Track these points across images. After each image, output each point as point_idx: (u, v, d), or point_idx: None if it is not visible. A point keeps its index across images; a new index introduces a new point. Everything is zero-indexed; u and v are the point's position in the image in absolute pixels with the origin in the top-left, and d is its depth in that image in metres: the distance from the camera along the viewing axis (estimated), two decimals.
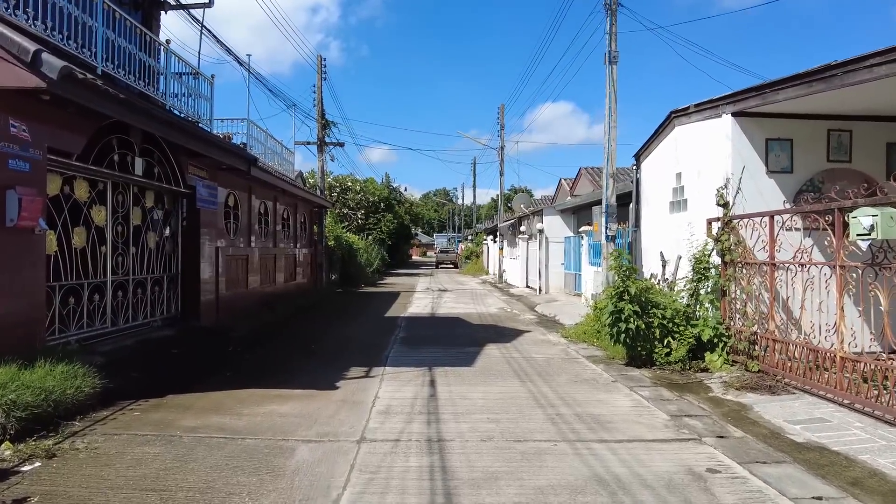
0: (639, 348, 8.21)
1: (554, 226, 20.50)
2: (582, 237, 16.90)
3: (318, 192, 20.58)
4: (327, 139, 20.71)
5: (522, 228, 23.70)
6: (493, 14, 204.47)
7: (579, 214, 20.03)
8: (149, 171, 9.11)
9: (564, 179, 29.46)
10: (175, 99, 9.94)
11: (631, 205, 12.56)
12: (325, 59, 20.80)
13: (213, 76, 11.16)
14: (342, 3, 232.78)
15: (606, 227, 11.94)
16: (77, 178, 7.59)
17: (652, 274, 10.05)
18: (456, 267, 47.21)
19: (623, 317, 8.08)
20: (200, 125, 10.75)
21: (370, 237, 32.63)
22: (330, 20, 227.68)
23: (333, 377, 7.28)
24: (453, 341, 10.31)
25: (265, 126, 17.53)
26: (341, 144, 21.18)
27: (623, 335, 8.07)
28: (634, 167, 12.58)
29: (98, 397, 5.94)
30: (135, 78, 8.70)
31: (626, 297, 8.28)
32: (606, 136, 12.00)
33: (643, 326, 8.12)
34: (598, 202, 14.43)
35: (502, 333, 11.43)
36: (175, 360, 7.98)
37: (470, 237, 55.18)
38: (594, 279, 15.38)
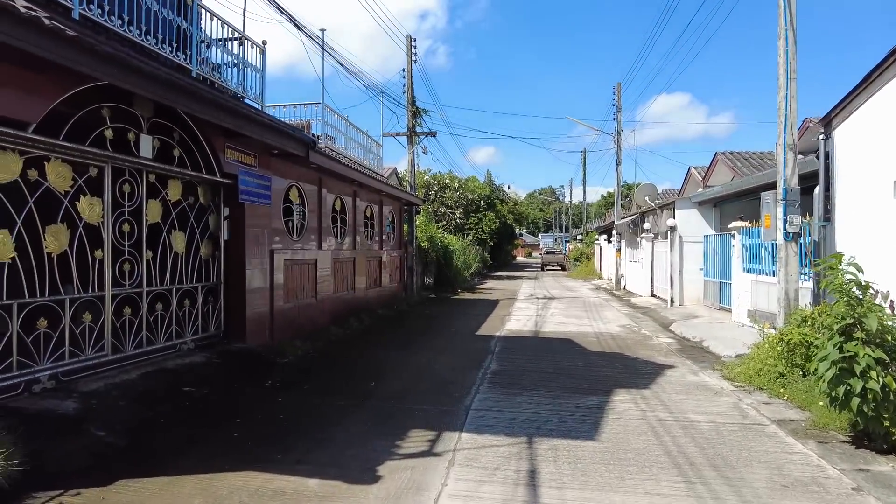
0: (885, 421, 4.87)
1: (689, 222, 16.72)
2: (732, 235, 13.17)
3: (409, 188, 18.40)
4: (418, 129, 18.45)
5: (646, 226, 20.01)
6: (600, 8, 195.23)
7: (723, 207, 16.11)
8: (164, 153, 7.12)
9: (695, 168, 25.16)
10: (207, 68, 7.93)
11: (816, 190, 8.91)
12: (415, 41, 18.57)
13: (264, 42, 9.11)
14: (449, 7, 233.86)
15: (785, 221, 8.40)
16: (51, 160, 5.66)
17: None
18: (563, 269, 43.51)
19: (857, 369, 4.81)
20: (247, 100, 8.73)
21: (469, 237, 30.12)
22: (437, 25, 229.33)
23: (378, 452, 4.72)
24: (565, 382, 7.40)
25: (356, 123, 15.53)
26: (433, 134, 18.81)
27: (857, 400, 4.79)
28: (821, 138, 8.91)
29: (14, 482, 3.83)
30: (157, 41, 6.74)
31: (860, 334, 4.99)
32: (784, 90, 8.46)
33: (893, 386, 4.80)
34: (761, 188, 10.76)
35: (634, 369, 8.31)
36: (178, 406, 5.84)
37: (579, 237, 51.09)
38: (753, 291, 11.67)
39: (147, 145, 6.68)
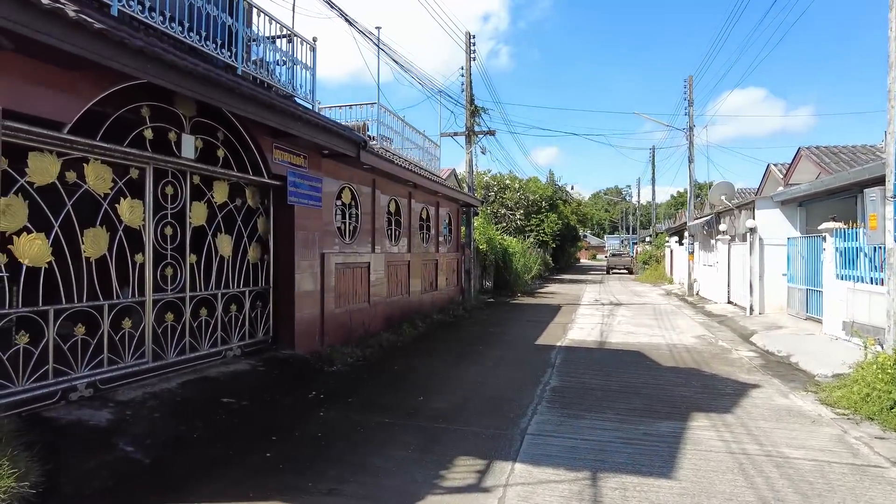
0: None
1: (771, 223, 15.29)
2: (822, 237, 11.81)
3: (467, 189, 17.87)
4: (476, 128, 17.87)
5: (722, 227, 18.58)
6: (668, 2, 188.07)
7: (809, 207, 14.62)
8: (208, 153, 6.89)
9: (774, 165, 23.32)
10: (254, 65, 7.68)
11: None
12: (473, 37, 18.01)
13: (314, 39, 8.83)
14: (512, 8, 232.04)
15: None
16: (90, 161, 5.49)
17: None
18: (630, 273, 41.69)
19: None
20: (297, 99, 8.46)
21: (529, 239, 29.23)
22: (500, 27, 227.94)
23: (419, 483, 4.19)
24: (634, 402, 6.62)
25: (415, 126, 15.18)
26: (492, 133, 18.15)
27: None
28: None
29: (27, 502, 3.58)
30: (201, 38, 6.54)
31: None
32: (894, 70, 7.32)
33: None
34: (859, 185, 9.53)
35: (713, 388, 7.40)
36: (213, 419, 5.53)
37: (647, 238, 48.94)
38: (850, 301, 10.36)
39: (189, 145, 6.46)
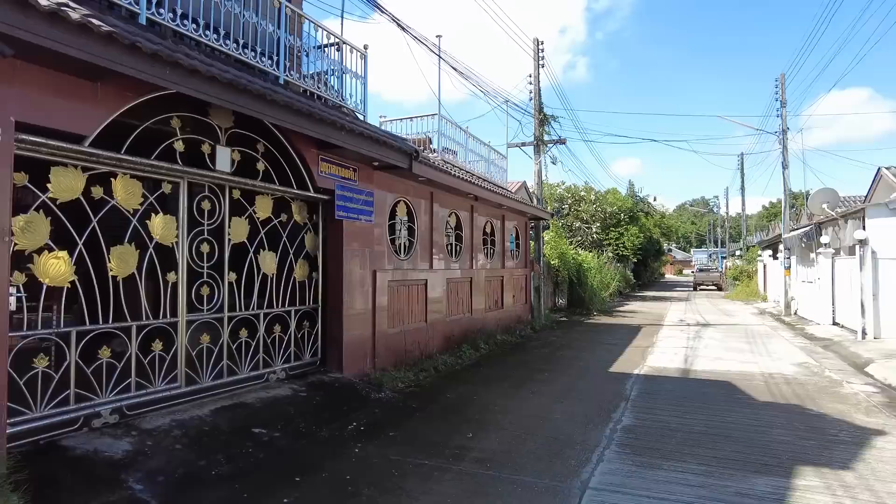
0: None
1: (885, 234, 13.34)
2: None
3: (535, 201, 16.98)
4: (546, 137, 17.01)
5: (824, 239, 16.55)
6: (751, 4, 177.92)
7: None
8: (247, 166, 6.56)
9: (887, 168, 20.75)
10: (298, 74, 7.35)
11: None
12: (542, 43, 17.22)
13: (365, 46, 8.44)
14: (589, 20, 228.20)
15: None
16: (118, 175, 5.25)
17: None
18: (719, 289, 38.78)
19: None
20: (347, 108, 8.07)
21: (607, 254, 27.72)
22: (577, 39, 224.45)
23: None
24: (723, 449, 5.55)
25: (479, 138, 14.62)
26: (562, 141, 17.18)
27: None
28: None
29: None
30: (238, 46, 6.26)
31: None
32: None
33: None
34: None
35: (822, 433, 6.15)
36: (236, 453, 5.06)
37: (738, 252, 45.61)
38: None
39: (224, 158, 6.15)
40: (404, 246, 9.70)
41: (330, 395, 7.01)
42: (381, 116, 13.05)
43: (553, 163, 17.67)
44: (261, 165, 6.68)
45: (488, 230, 13.73)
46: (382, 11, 9.86)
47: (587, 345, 12.97)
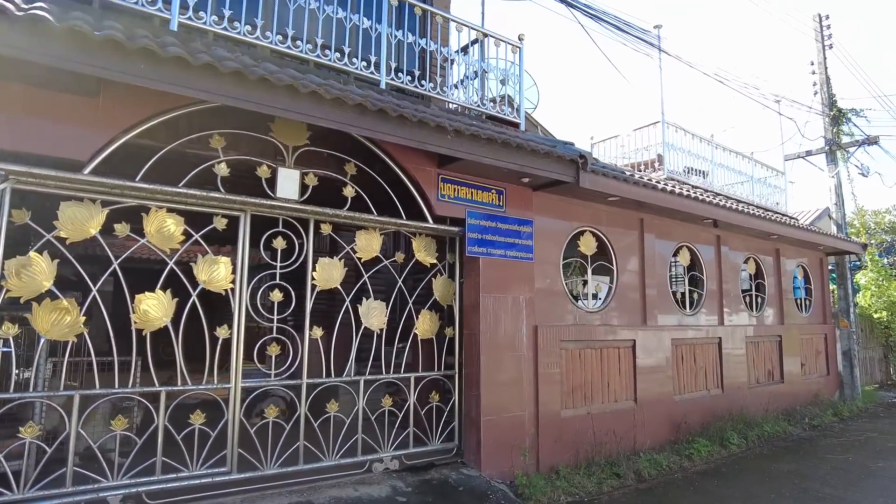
0: None
1: None
2: None
3: (836, 230, 11.99)
4: (845, 140, 12.04)
5: None
6: None
7: None
8: (330, 193, 5.19)
9: None
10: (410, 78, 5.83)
11: None
12: (826, 18, 12.55)
13: (520, 37, 6.57)
14: None
15: None
16: (153, 209, 4.39)
17: None
18: None
19: None
20: (492, 109, 6.26)
21: None
22: None
23: None
24: None
25: (736, 150, 11.21)
26: (872, 141, 11.82)
27: None
28: None
29: None
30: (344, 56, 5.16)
31: None
32: None
33: None
34: None
35: None
36: None
37: None
38: None
39: (290, 183, 4.88)
40: (589, 291, 7.16)
41: None
42: (590, 138, 10.76)
43: (863, 174, 12.37)
44: (348, 191, 5.26)
45: (753, 270, 9.90)
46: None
47: None
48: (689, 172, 10.23)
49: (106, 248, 4.17)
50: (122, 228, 4.26)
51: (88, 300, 4.07)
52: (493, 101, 6.40)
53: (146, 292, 4.33)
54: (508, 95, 6.61)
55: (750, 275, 9.83)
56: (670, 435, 7.46)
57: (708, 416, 8.06)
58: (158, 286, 4.38)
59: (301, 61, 5.00)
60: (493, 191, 6.09)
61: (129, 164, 4.18)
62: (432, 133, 4.89)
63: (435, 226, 5.73)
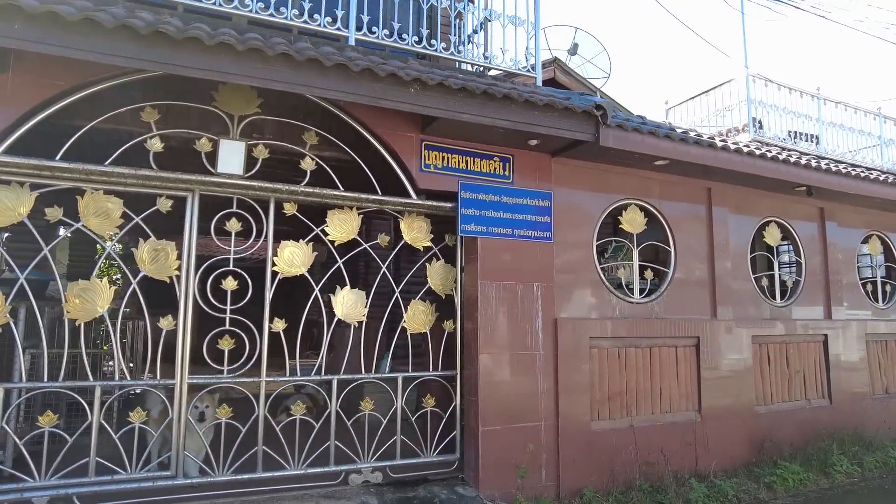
0: None
1: None
2: None
3: None
4: None
5: None
6: None
7: None
8: (293, 170, 4.58)
9: None
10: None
11: None
12: None
13: None
14: None
15: None
16: (88, 192, 4.09)
17: None
18: None
19: None
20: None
21: None
22: None
23: None
24: None
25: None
26: None
27: None
28: None
29: None
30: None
31: None
32: None
33: None
34: None
35: None
36: None
37: None
38: None
39: (233, 156, 4.36)
40: (635, 280, 5.92)
41: None
42: (665, 103, 9.27)
43: None
44: (307, 163, 4.64)
45: (874, 252, 7.89)
46: None
47: None
48: (795, 137, 8.43)
49: (35, 232, 3.92)
50: (53, 213, 4.00)
51: (15, 288, 3.84)
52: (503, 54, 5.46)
53: (79, 280, 4.04)
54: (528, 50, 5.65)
55: (872, 257, 7.84)
56: (747, 455, 6.00)
57: (806, 434, 6.43)
58: (94, 274, 4.07)
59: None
60: (495, 158, 5.17)
61: (59, 145, 3.91)
62: (391, 87, 4.12)
63: (419, 202, 4.95)
